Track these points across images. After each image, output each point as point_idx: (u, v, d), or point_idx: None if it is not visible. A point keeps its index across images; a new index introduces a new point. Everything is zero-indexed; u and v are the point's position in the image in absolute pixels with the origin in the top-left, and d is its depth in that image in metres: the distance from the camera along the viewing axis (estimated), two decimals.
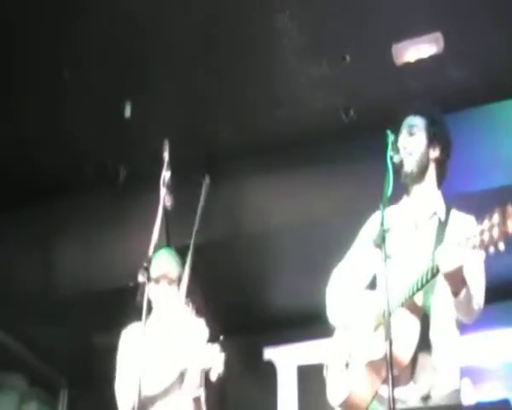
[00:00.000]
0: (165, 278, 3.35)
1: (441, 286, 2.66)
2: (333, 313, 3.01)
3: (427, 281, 2.58)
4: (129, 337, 3.35)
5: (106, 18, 4.40)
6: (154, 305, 3.35)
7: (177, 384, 3.21)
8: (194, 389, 3.10)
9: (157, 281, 3.32)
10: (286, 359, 6.30)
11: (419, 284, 2.60)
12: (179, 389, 3.20)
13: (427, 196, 2.93)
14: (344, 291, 3.00)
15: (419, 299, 2.68)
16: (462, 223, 2.79)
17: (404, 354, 2.61)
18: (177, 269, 3.39)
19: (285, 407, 6.17)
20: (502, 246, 2.22)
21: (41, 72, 4.78)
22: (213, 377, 3.04)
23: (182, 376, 3.22)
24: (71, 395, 6.72)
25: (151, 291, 3.21)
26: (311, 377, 5.69)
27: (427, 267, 2.57)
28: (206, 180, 3.14)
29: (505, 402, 2.41)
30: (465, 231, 2.44)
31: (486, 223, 2.27)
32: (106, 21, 4.43)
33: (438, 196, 2.94)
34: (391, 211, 2.85)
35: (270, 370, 6.29)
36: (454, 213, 2.88)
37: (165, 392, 3.18)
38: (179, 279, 3.34)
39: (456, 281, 2.54)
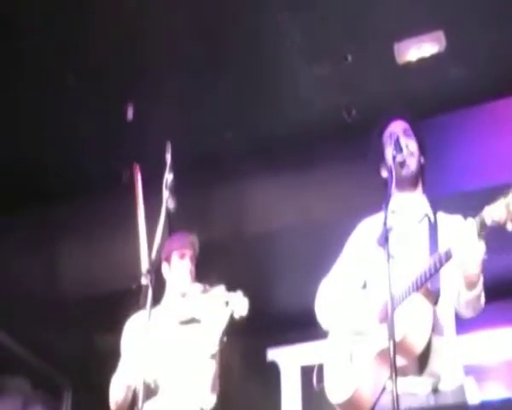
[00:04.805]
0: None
1: (448, 276, 2.65)
2: (325, 319, 3.00)
3: (441, 266, 2.56)
4: (134, 326, 3.38)
5: (108, 21, 4.41)
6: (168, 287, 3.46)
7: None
8: (214, 345, 3.19)
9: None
10: (289, 359, 6.30)
11: (432, 270, 2.57)
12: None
13: (418, 199, 2.96)
14: (335, 296, 2.99)
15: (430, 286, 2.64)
16: (453, 222, 2.83)
17: (418, 341, 2.57)
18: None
19: (289, 407, 6.17)
20: None
21: (45, 74, 4.78)
22: (237, 316, 3.17)
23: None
24: (74, 397, 6.71)
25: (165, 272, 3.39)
26: None
27: (439, 253, 2.56)
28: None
29: (510, 401, 2.41)
30: (459, 227, 2.47)
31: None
32: (109, 24, 4.44)
33: (425, 201, 2.98)
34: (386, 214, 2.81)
35: (273, 371, 6.29)
36: (440, 215, 2.91)
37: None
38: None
39: (477, 272, 2.54)
